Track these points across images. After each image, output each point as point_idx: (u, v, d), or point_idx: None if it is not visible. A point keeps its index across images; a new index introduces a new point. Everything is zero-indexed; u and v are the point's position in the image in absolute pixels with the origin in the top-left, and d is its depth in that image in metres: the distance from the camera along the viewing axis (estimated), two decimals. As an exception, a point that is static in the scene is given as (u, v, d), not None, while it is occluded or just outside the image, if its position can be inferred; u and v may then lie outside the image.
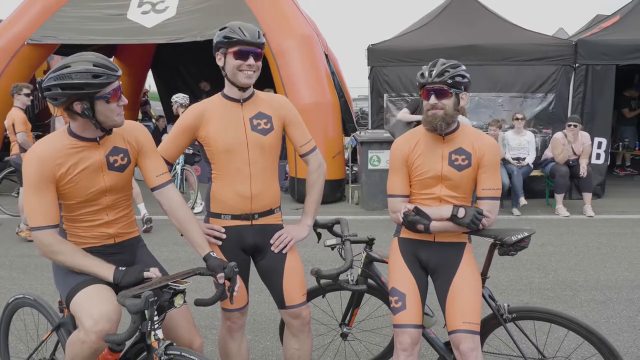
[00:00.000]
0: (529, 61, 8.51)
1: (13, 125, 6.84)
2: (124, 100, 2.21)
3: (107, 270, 2.21)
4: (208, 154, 2.57)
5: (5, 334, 3.01)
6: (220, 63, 2.50)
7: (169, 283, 2.10)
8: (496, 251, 2.51)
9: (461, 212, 2.41)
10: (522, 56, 8.50)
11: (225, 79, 2.54)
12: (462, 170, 2.49)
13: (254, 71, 2.47)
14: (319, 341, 3.58)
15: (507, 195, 7.77)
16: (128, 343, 2.16)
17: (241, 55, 2.43)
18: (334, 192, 8.60)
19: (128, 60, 12.95)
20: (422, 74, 2.48)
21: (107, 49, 11.86)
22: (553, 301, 4.47)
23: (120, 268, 2.21)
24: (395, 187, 2.60)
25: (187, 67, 14.00)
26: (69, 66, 2.08)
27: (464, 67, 2.48)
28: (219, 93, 2.61)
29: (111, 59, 12.84)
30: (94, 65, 2.09)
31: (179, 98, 8.30)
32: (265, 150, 2.56)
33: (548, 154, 7.98)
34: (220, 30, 2.47)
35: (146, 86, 15.19)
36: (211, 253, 2.30)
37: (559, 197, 7.66)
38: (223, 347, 2.75)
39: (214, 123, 2.52)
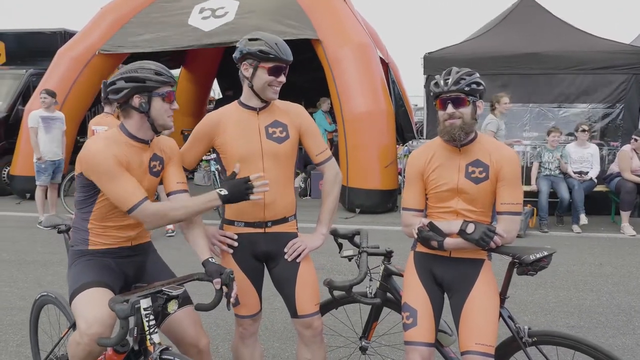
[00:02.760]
0: (596, 70, 8.06)
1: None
2: (176, 106, 2.38)
3: (213, 199, 2.35)
4: (223, 162, 2.61)
5: (35, 329, 3.18)
6: (246, 73, 2.51)
7: (163, 289, 2.13)
8: (515, 270, 2.37)
9: (470, 228, 2.30)
10: (588, 64, 8.08)
11: (247, 88, 2.56)
12: (479, 183, 2.38)
13: (280, 86, 2.52)
14: (338, 354, 3.53)
15: (568, 211, 7.36)
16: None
17: (275, 72, 2.47)
18: (385, 202, 8.50)
19: (194, 68, 13.43)
20: (437, 84, 2.39)
21: (176, 59, 12.35)
22: (603, 326, 4.16)
23: (221, 193, 2.35)
24: (409, 200, 2.53)
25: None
26: (135, 67, 2.32)
27: (478, 75, 2.38)
28: (236, 101, 2.64)
29: (179, 68, 13.39)
30: (156, 66, 2.33)
31: None
32: (280, 159, 2.56)
33: (614, 168, 7.49)
34: (251, 40, 2.48)
35: (213, 95, 15.65)
36: (210, 259, 2.32)
37: (625, 215, 7.16)
38: (236, 354, 2.76)
39: (230, 131, 2.54)
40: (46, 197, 7.77)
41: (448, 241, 2.36)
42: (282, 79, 2.50)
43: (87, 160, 2.25)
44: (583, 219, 7.13)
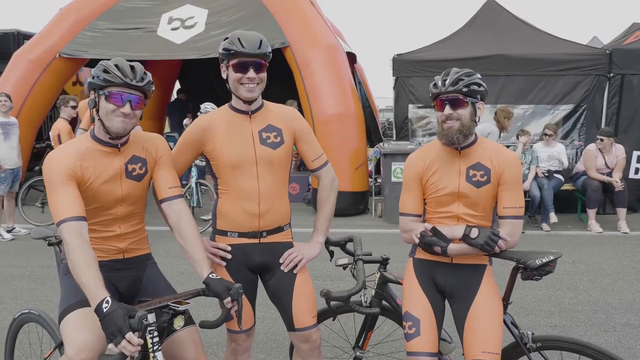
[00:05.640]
0: (561, 71, 8.25)
1: (59, 135, 7.32)
2: (126, 109, 2.16)
3: (96, 296, 1.89)
4: (214, 169, 2.47)
5: (11, 349, 2.97)
6: (224, 76, 2.41)
7: (169, 304, 2.01)
8: (519, 275, 2.33)
9: (474, 232, 2.25)
10: (553, 66, 8.24)
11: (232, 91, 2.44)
12: (480, 187, 2.33)
13: (257, 84, 2.36)
14: (332, 364, 3.44)
15: (538, 210, 7.49)
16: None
17: (241, 68, 2.33)
18: (356, 204, 8.45)
19: (156, 73, 12.96)
20: (435, 84, 2.34)
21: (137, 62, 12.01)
22: (584, 324, 4.22)
23: (107, 301, 1.86)
24: (407, 205, 2.46)
25: (215, 78, 14.09)
26: (109, 60, 2.20)
27: (479, 76, 2.32)
28: (227, 105, 2.51)
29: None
30: (114, 64, 2.16)
31: (209, 106, 7.95)
32: (274, 165, 2.44)
33: (580, 167, 7.68)
34: (223, 41, 2.38)
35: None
36: (211, 275, 2.18)
37: (592, 213, 7.34)
38: (229, 370, 2.63)
39: (220, 137, 2.41)
40: (2, 207, 7.40)
41: (452, 247, 2.30)
42: (252, 74, 2.32)
43: (43, 167, 2.16)
44: (553, 217, 7.27)
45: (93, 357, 2.03)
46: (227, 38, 2.37)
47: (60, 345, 2.51)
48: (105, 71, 2.14)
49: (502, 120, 7.25)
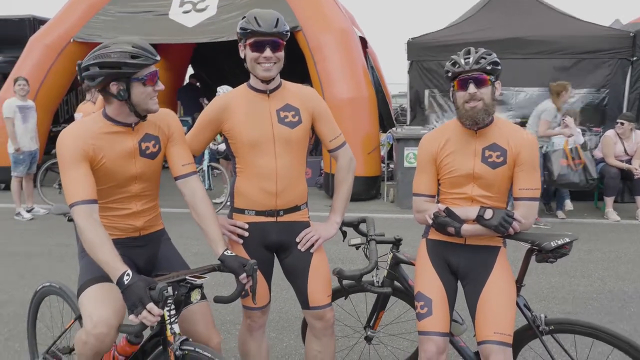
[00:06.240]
0: (581, 54, 8.08)
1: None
2: (160, 86, 2.18)
3: (116, 270, 1.93)
4: (232, 148, 2.48)
5: (34, 321, 3.05)
6: (242, 55, 2.40)
7: (187, 277, 2.05)
8: (533, 257, 2.32)
9: (488, 213, 2.24)
10: (573, 49, 8.08)
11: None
12: (496, 168, 2.31)
13: (274, 63, 2.35)
14: (342, 343, 3.46)
15: (553, 197, 7.42)
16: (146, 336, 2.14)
17: (257, 47, 2.32)
18: (368, 189, 8.44)
19: (168, 56, 13.10)
20: (455, 63, 2.31)
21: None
22: (598, 312, 4.19)
23: (128, 274, 1.91)
24: (421, 185, 2.45)
25: (227, 62, 14.09)
26: (109, 46, 2.08)
27: (496, 55, 2.31)
28: (245, 84, 2.51)
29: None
30: (132, 47, 2.09)
31: (224, 89, 7.94)
32: (292, 145, 2.44)
33: (598, 153, 7.56)
34: (242, 19, 2.37)
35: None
36: (226, 252, 2.20)
37: (609, 200, 7.23)
38: (243, 346, 2.66)
39: (239, 116, 2.41)
40: (21, 188, 7.52)
41: (466, 227, 2.29)
42: (268, 53, 2.32)
43: (56, 147, 2.14)
44: (569, 204, 7.18)
45: (110, 331, 2.06)
46: (244, 17, 2.36)
47: (79, 317, 2.56)
48: (134, 56, 2.08)
49: (557, 96, 6.80)
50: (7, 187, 7.99)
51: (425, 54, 8.61)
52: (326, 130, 2.55)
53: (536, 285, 4.70)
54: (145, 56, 2.09)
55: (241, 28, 2.33)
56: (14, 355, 3.52)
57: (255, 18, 2.31)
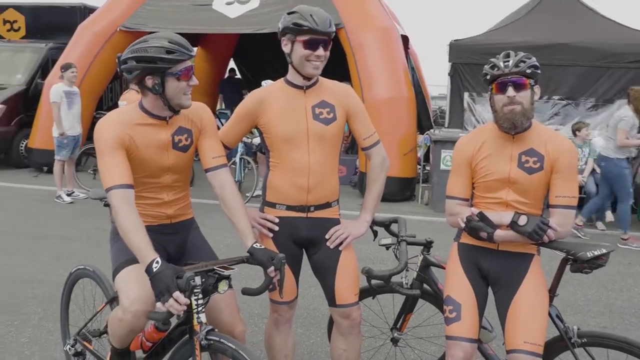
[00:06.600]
0: (629, 63, 7.82)
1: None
2: (195, 81, 2.22)
3: (146, 257, 1.97)
4: (267, 142, 2.50)
5: (67, 302, 3.14)
6: (286, 49, 2.40)
7: (215, 268, 2.07)
8: (568, 267, 2.26)
9: (522, 220, 2.19)
10: (620, 57, 7.83)
11: (290, 66, 2.45)
12: (532, 174, 2.26)
13: (322, 61, 2.37)
14: (368, 343, 3.44)
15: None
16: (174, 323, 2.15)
17: (311, 45, 2.33)
18: (403, 190, 8.38)
19: (211, 49, 13.31)
20: (495, 66, 2.26)
21: (192, 38, 12.23)
22: (636, 328, 4.05)
23: (157, 262, 1.95)
24: (455, 188, 2.42)
25: (268, 55, 14.20)
26: (146, 41, 2.15)
27: (535, 59, 2.26)
28: (282, 79, 2.53)
29: (195, 48, 13.25)
30: (168, 42, 2.14)
31: (269, 83, 8.12)
32: (326, 141, 2.44)
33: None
34: (289, 13, 2.37)
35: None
36: (255, 245, 2.22)
37: (652, 214, 6.99)
38: (268, 339, 2.68)
39: (275, 110, 2.43)
40: (63, 172, 7.77)
41: (498, 233, 2.25)
42: (321, 52, 2.34)
43: (94, 132, 2.21)
44: (609, 215, 6.97)
45: (145, 309, 2.11)
46: (293, 12, 2.35)
47: (111, 301, 2.63)
48: (170, 51, 2.12)
49: (636, 102, 6.29)
50: (50, 170, 8.25)
51: (467, 57, 8.48)
52: (360, 128, 2.54)
53: (572, 297, 4.58)
54: (180, 52, 2.13)
55: (295, 24, 2.32)
56: (47, 334, 3.64)
57: (311, 16, 2.31)
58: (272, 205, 2.51)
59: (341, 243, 2.50)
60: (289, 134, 2.40)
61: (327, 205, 2.52)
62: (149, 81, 2.16)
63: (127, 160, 2.17)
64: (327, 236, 2.50)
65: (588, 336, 2.29)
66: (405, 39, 10.15)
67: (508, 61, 2.23)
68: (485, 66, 2.32)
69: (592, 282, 4.94)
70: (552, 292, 2.35)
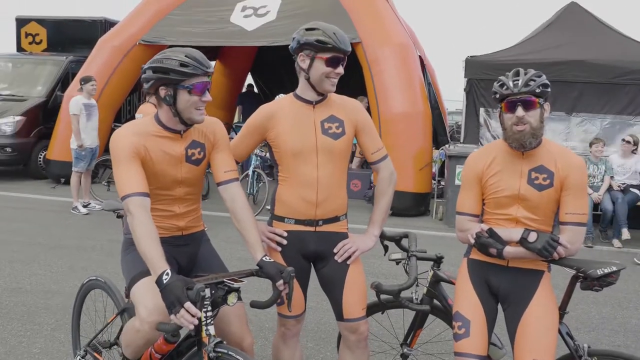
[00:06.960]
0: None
1: None
2: (208, 97, 2.26)
3: (157, 268, 2.01)
4: (276, 156, 2.53)
5: (79, 313, 3.16)
6: (303, 65, 2.42)
7: (225, 280, 2.09)
8: (578, 284, 2.24)
9: (532, 236, 2.18)
10: (638, 74, 7.76)
11: (303, 80, 2.47)
12: (542, 191, 2.25)
13: (337, 78, 2.42)
14: (378, 359, 3.43)
15: (609, 225, 7.11)
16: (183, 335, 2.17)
17: (332, 63, 2.37)
18: (417, 205, 8.35)
19: (229, 63, 13.46)
20: (503, 85, 2.27)
21: (211, 52, 12.41)
22: (651, 347, 3.98)
23: (167, 273, 1.98)
24: (465, 204, 2.42)
25: (286, 69, 14.33)
26: (166, 53, 2.22)
27: (545, 77, 2.26)
28: (292, 93, 2.56)
29: (213, 62, 13.43)
30: (185, 56, 2.19)
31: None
32: (334, 155, 2.47)
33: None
34: (308, 30, 2.39)
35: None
36: (264, 258, 2.24)
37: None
38: (276, 353, 2.69)
39: (284, 125, 2.46)
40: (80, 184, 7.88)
41: (508, 249, 2.24)
42: (340, 70, 2.39)
43: (110, 142, 2.25)
44: (625, 233, 6.87)
45: (164, 319, 2.10)
46: (314, 29, 2.37)
47: (122, 312, 2.64)
48: (183, 65, 2.16)
49: None
50: (67, 182, 8.36)
51: (483, 73, 8.47)
52: (369, 142, 2.56)
53: (586, 315, 4.51)
54: (194, 66, 2.17)
55: (319, 41, 2.34)
56: (59, 345, 3.67)
57: (335, 34, 2.35)
58: (281, 219, 2.53)
59: (349, 257, 2.51)
60: (298, 149, 2.42)
61: (336, 219, 2.53)
62: (162, 91, 2.22)
63: (142, 171, 2.21)
64: (335, 250, 2.51)
65: (598, 354, 2.27)
66: (420, 59, 10.18)
67: (517, 80, 2.23)
68: (495, 84, 2.33)
69: (607, 300, 4.87)
70: (563, 309, 2.33)
